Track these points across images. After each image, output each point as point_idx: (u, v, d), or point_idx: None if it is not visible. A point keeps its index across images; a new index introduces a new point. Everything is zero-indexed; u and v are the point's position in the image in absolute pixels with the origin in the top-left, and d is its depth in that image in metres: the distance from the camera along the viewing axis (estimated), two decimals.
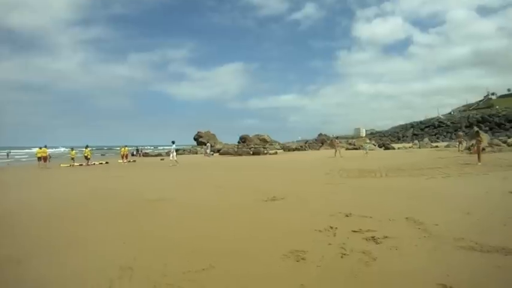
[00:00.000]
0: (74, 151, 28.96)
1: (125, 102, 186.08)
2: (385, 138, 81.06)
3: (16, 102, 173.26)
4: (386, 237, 4.74)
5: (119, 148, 43.32)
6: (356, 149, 40.20)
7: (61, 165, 27.60)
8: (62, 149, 57.89)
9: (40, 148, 27.83)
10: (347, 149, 41.29)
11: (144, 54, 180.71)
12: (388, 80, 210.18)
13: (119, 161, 31.49)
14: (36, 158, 27.47)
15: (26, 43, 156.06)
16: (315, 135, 62.10)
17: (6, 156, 45.95)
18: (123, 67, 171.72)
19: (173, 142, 25.23)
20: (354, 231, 5.09)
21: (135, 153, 45.78)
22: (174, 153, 25.36)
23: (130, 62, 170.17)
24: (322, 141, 53.49)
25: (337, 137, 55.67)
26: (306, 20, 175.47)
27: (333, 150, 29.75)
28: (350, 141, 56.62)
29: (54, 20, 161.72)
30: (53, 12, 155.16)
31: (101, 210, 7.87)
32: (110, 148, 78.62)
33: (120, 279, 3.78)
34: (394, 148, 43.02)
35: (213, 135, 59.09)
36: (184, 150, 50.15)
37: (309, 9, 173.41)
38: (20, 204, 9.29)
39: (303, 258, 4.08)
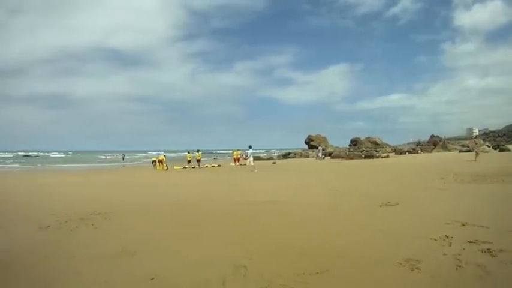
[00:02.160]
0: (190, 154, 32.02)
1: (233, 108, 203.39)
2: (500, 139, 71.66)
3: (129, 111, 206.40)
4: (502, 250, 4.72)
5: (231, 152, 46.32)
6: (470, 151, 40.16)
7: (174, 167, 31.05)
8: (173, 154, 64.44)
9: (157, 155, 33.36)
10: (460, 151, 42.93)
11: (248, 62, 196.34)
12: (497, 72, 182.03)
13: (231, 164, 35.45)
14: (152, 162, 31.37)
15: (134, 60, 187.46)
16: (426, 137, 60.07)
17: (122, 159, 52.68)
18: (230, 76, 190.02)
19: (250, 147, 27.26)
20: (470, 242, 5.14)
21: (244, 156, 48.33)
22: (251, 158, 26.79)
23: (236, 71, 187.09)
24: (435, 143, 53.81)
25: (476, 137, 52.37)
26: (404, 13, 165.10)
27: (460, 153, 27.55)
28: (463, 142, 56.56)
29: (159, 39, 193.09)
30: (157, 32, 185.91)
31: (214, 210, 8.93)
32: (219, 152, 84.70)
33: (234, 276, 4.19)
34: (510, 150, 43.22)
35: (324, 138, 60.92)
36: (295, 154, 53.38)
37: (406, 1, 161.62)
38: (135, 201, 10.95)
39: (417, 268, 4.22)
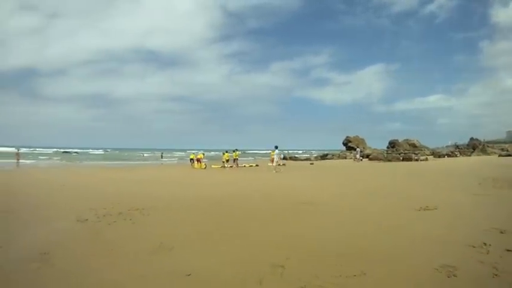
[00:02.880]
0: (227, 153, 32.61)
1: (270, 108, 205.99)
2: None
3: (168, 111, 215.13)
4: None
5: (268, 152, 46.90)
6: (510, 155, 41.57)
7: (212, 166, 31.64)
8: (213, 153, 65.61)
9: (195, 154, 34.22)
10: (500, 155, 43.00)
11: (285, 62, 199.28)
12: None
13: (269, 164, 35.32)
14: (190, 159, 33.69)
15: (172, 61, 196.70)
16: (465, 139, 58.24)
17: (160, 157, 54.03)
18: (266, 76, 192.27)
19: (276, 147, 27.69)
20: (508, 251, 5.14)
21: (282, 157, 48.67)
22: (277, 159, 27.40)
23: (273, 71, 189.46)
24: (474, 146, 53.23)
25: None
26: (440, 11, 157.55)
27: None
28: (502, 146, 56.14)
29: (196, 40, 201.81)
30: (194, 34, 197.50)
31: (251, 209, 9.29)
32: (256, 152, 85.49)
33: (271, 275, 4.31)
34: None
35: (362, 140, 61.09)
36: (333, 155, 54.08)
37: None
38: (173, 198, 11.28)
39: (454, 275, 4.26)
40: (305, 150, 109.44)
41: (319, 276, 4.23)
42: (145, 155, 73.43)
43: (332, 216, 8.15)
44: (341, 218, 7.99)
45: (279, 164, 26.86)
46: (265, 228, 6.95)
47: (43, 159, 51.50)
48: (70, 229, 7.07)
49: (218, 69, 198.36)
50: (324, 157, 53.38)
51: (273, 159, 34.45)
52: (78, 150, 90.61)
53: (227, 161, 32.70)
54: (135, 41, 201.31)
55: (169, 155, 70.34)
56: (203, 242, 6.01)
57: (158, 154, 62.86)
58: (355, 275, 4.24)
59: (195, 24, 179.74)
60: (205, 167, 30.79)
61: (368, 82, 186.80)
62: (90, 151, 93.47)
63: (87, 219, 7.77)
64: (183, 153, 74.96)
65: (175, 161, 52.08)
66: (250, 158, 59.02)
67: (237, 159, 33.54)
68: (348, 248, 5.45)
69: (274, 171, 24.25)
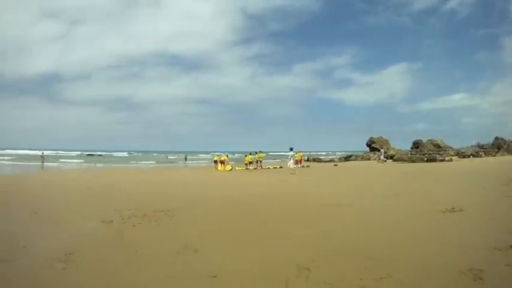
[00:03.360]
0: (250, 155, 32.66)
1: (293, 110, 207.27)
2: None
3: (191, 114, 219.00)
4: None
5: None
6: None
7: (236, 168, 31.72)
8: (236, 155, 65.96)
9: (219, 155, 34.76)
10: None
11: (307, 64, 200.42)
12: None
13: (293, 166, 34.55)
14: (213, 161, 33.93)
15: (194, 64, 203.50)
16: (490, 139, 57.11)
17: (184, 159, 54.74)
18: (289, 78, 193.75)
19: (291, 149, 27.90)
20: None
21: (306, 158, 48.73)
22: (292, 161, 27.59)
23: (295, 73, 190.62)
24: (499, 145, 51.23)
25: None
26: (461, 7, 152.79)
27: None
28: None
29: (217, 43, 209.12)
30: (215, 37, 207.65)
31: (276, 211, 9.39)
32: (280, 154, 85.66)
33: (297, 278, 4.33)
34: None
35: (386, 140, 60.92)
36: (356, 157, 54.22)
37: None
38: (197, 199, 11.43)
39: (480, 278, 4.24)
40: (328, 151, 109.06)
41: (345, 278, 4.27)
42: (169, 157, 74.38)
43: (357, 218, 8.27)
44: (366, 219, 8.07)
45: (299, 166, 26.33)
46: (290, 229, 7.02)
47: (67, 162, 52.87)
48: (95, 230, 7.26)
49: (241, 72, 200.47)
50: (347, 158, 53.55)
51: (299, 160, 35.26)
52: (102, 153, 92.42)
53: (250, 163, 32.78)
54: (158, 46, 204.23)
55: (193, 158, 71.07)
56: (228, 243, 6.10)
57: (182, 156, 63.46)
58: (380, 278, 4.27)
59: (217, 27, 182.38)
60: (231, 169, 31.06)
61: (391, 82, 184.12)
62: (114, 153, 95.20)
63: (112, 221, 7.95)
64: (207, 156, 75.58)
65: (199, 163, 52.61)
66: (277, 160, 59.30)
67: (261, 161, 33.56)
68: (373, 250, 5.49)
69: (290, 173, 24.48)
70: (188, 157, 60.18)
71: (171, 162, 57.19)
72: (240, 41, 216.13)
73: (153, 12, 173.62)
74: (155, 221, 7.86)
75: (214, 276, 4.45)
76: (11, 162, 46.45)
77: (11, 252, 5.60)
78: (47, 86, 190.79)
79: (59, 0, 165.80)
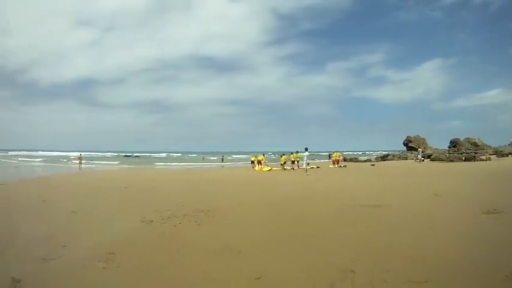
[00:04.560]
0: (284, 156, 33.25)
1: (328, 109, 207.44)
2: None
3: (226, 115, 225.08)
4: None
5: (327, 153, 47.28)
6: None
7: (273, 168, 31.61)
8: (272, 155, 66.11)
9: (256, 156, 35.19)
10: None
11: (340, 62, 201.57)
12: None
13: (330, 165, 36.55)
14: (251, 162, 34.86)
15: (228, 66, 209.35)
16: None
17: (221, 160, 55.14)
18: (322, 77, 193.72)
19: (306, 149, 28.21)
20: None
21: (342, 158, 48.54)
22: (305, 161, 27.91)
23: (329, 71, 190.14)
24: None
25: None
26: None
27: None
28: None
29: (250, 44, 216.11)
30: (248, 38, 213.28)
31: (317, 211, 9.35)
32: (316, 153, 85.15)
33: (342, 281, 4.31)
34: None
35: (423, 139, 60.29)
36: (393, 156, 53.76)
37: None
38: (237, 200, 11.51)
39: None
40: (364, 151, 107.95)
41: (389, 281, 4.26)
42: (205, 158, 75.20)
43: (397, 219, 8.19)
44: (406, 220, 8.03)
45: (336, 166, 25.87)
46: (330, 230, 7.03)
47: (104, 163, 54.24)
48: (135, 230, 7.38)
49: (274, 72, 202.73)
50: (384, 158, 53.21)
51: (336, 160, 36.69)
52: (139, 154, 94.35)
53: (285, 163, 32.75)
54: (191, 49, 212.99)
55: (229, 158, 71.54)
56: (270, 244, 6.09)
57: (218, 157, 64.03)
58: (426, 281, 4.24)
59: (249, 29, 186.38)
60: (270, 169, 31.26)
61: (425, 79, 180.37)
62: (151, 155, 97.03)
63: (152, 221, 8.09)
64: (243, 156, 75.92)
65: (236, 164, 52.87)
66: (316, 161, 59.07)
67: (298, 161, 33.42)
68: (415, 252, 5.44)
69: (306, 174, 24.62)
70: (224, 158, 60.64)
71: (207, 163, 57.69)
72: (273, 41, 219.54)
73: (185, 16, 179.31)
74: (195, 222, 7.94)
75: (258, 278, 4.46)
76: (47, 164, 48.02)
77: (51, 251, 5.75)
78: (83, 90, 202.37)
79: (91, 9, 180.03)
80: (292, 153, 33.93)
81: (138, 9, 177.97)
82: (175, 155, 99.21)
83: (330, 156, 59.97)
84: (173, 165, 47.91)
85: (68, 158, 61.01)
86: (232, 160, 66.96)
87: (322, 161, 51.34)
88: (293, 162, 33.30)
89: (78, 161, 41.53)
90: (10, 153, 79.64)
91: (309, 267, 4.80)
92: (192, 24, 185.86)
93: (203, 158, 72.00)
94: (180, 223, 7.76)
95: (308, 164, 28.81)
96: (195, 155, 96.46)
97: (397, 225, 7.43)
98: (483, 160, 37.42)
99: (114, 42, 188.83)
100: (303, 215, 8.74)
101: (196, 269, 4.88)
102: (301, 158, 29.76)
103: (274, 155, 54.80)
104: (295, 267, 4.83)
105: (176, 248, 5.88)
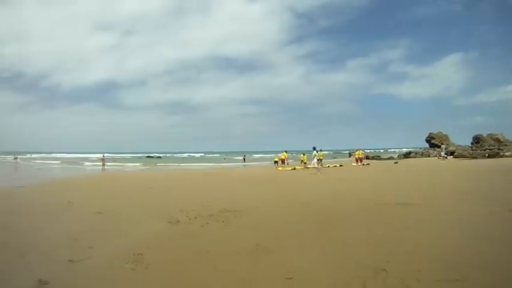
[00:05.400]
0: (305, 155, 33.16)
1: (349, 107, 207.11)
2: None
3: (247, 114, 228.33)
4: None
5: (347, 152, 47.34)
6: None
7: (296, 167, 31.40)
8: (295, 154, 66.02)
9: (278, 155, 35.55)
10: None
11: (360, 59, 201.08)
12: None
13: (353, 164, 36.82)
14: (274, 162, 35.07)
15: (247, 66, 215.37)
16: None
17: (243, 160, 55.24)
18: (343, 74, 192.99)
19: (314, 148, 28.88)
20: None
21: (364, 156, 48.31)
22: (315, 160, 28.32)
23: (349, 69, 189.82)
24: None
25: None
26: None
27: None
28: None
29: (269, 43, 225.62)
30: (266, 38, 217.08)
31: (345, 210, 9.33)
32: (337, 152, 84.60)
33: (373, 280, 4.30)
34: None
35: (446, 136, 59.79)
36: (416, 154, 53.78)
37: None
38: (262, 199, 11.54)
39: None
40: (385, 148, 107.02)
41: (421, 280, 4.24)
42: (227, 157, 75.42)
43: (425, 217, 8.15)
44: (434, 219, 8.00)
45: (360, 164, 25.75)
46: (360, 229, 7.00)
47: (127, 164, 54.89)
48: (162, 231, 7.40)
49: (294, 71, 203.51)
50: (407, 155, 53.36)
51: (360, 158, 36.92)
52: (161, 155, 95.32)
53: (304, 162, 32.73)
54: (211, 49, 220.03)
55: (251, 158, 71.65)
56: (300, 243, 6.06)
57: (240, 157, 64.15)
58: (457, 279, 4.22)
59: (267, 28, 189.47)
60: (293, 169, 31.09)
61: (446, 74, 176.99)
62: (173, 155, 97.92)
63: (178, 221, 8.12)
64: (264, 155, 75.97)
65: (258, 164, 52.89)
66: (332, 158, 58.88)
67: (321, 159, 33.31)
68: (446, 250, 5.40)
69: (318, 173, 24.52)
70: (246, 157, 60.76)
71: (229, 163, 57.95)
72: (292, 40, 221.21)
73: (203, 18, 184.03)
74: (223, 222, 7.93)
75: (290, 278, 4.42)
76: (70, 166, 48.82)
77: (78, 253, 5.76)
78: (104, 93, 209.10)
79: (110, 14, 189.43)
80: (317, 151, 33.80)
81: (156, 13, 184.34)
82: (197, 155, 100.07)
83: (350, 155, 60.64)
84: (195, 166, 48.19)
85: (91, 160, 61.93)
86: (254, 160, 66.99)
87: (344, 159, 51.58)
88: (318, 160, 33.13)
89: (101, 163, 42.15)
90: (33, 155, 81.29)
91: (341, 267, 4.77)
92: (211, 25, 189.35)
93: (225, 158, 72.33)
94: (207, 223, 7.76)
95: (318, 162, 29.03)
96: (216, 155, 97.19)
97: (426, 224, 7.45)
98: (507, 157, 36.90)
99: (134, 45, 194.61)
100: (331, 214, 8.67)
101: (226, 269, 4.85)
102: (312, 157, 29.79)
103: (297, 154, 54.71)
104: (327, 267, 4.79)
105: (205, 248, 5.86)
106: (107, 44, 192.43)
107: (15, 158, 56.64)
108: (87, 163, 52.96)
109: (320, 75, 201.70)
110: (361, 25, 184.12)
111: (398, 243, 5.90)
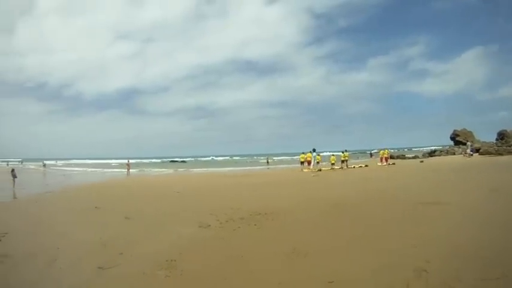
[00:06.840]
0: (333, 156, 32.86)
1: (371, 106, 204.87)
2: None
3: (269, 117, 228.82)
4: None
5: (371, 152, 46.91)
6: None
7: (321, 169, 30.96)
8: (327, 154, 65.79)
9: (304, 153, 33.39)
10: None
11: (380, 57, 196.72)
12: None
13: (378, 163, 36.12)
14: (300, 163, 32.99)
15: (268, 68, 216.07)
16: None
17: (266, 162, 55.21)
18: (363, 73, 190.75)
19: (314, 150, 28.78)
20: None
21: (389, 155, 47.82)
22: (315, 162, 28.50)
23: (369, 68, 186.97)
24: None
25: None
26: None
27: None
28: None
29: (289, 45, 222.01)
30: (286, 40, 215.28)
31: (379, 210, 9.24)
32: (361, 152, 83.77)
33: (416, 280, 4.28)
34: None
35: (470, 133, 57.82)
36: (441, 152, 52.71)
37: None
38: (293, 201, 11.23)
39: None
40: (409, 147, 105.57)
41: (462, 279, 4.23)
42: (251, 160, 75.44)
43: (458, 216, 8.11)
44: (467, 217, 8.02)
45: (385, 164, 25.41)
46: (397, 230, 6.92)
47: (152, 170, 55.29)
48: (194, 235, 7.34)
49: (315, 72, 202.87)
50: (431, 154, 52.24)
51: (385, 158, 36.30)
52: (186, 159, 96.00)
53: (333, 164, 32.40)
54: (231, 53, 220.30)
55: (274, 160, 71.60)
56: (337, 245, 5.98)
57: (264, 160, 64.17)
58: (497, 278, 4.21)
59: (286, 30, 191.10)
60: (319, 170, 30.41)
61: (468, 69, 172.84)
62: (196, 159, 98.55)
63: (209, 225, 8.05)
64: (287, 158, 75.78)
65: (282, 165, 52.82)
66: (356, 158, 58.54)
67: (347, 160, 33.11)
68: (485, 249, 5.35)
69: (312, 175, 24.44)
70: (270, 159, 60.69)
71: (254, 165, 57.90)
72: (311, 41, 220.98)
73: (222, 22, 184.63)
74: (255, 225, 7.85)
75: (331, 282, 4.35)
76: (95, 171, 49.45)
77: (108, 259, 5.73)
78: (127, 100, 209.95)
79: (130, 23, 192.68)
80: (343, 152, 33.57)
81: (175, 20, 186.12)
82: (220, 158, 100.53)
83: (371, 155, 60.06)
84: (220, 169, 48.29)
85: (115, 166, 62.71)
86: (278, 162, 66.86)
87: (367, 159, 51.31)
88: (343, 161, 33.10)
89: (126, 168, 42.57)
90: (58, 162, 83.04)
91: (382, 268, 4.71)
92: (230, 29, 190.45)
93: (248, 161, 72.34)
94: (239, 227, 7.70)
95: (318, 163, 29.39)
96: (240, 158, 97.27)
97: (460, 223, 7.40)
98: None
99: (155, 52, 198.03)
100: (365, 215, 8.56)
101: (264, 274, 4.77)
102: (312, 158, 29.79)
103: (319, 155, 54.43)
104: (368, 269, 4.73)
105: (239, 253, 5.78)
106: (128, 52, 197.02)
107: (44, 165, 57.74)
108: (112, 169, 53.73)
109: (341, 75, 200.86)
110: (379, 23, 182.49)
111: (436, 242, 5.87)
